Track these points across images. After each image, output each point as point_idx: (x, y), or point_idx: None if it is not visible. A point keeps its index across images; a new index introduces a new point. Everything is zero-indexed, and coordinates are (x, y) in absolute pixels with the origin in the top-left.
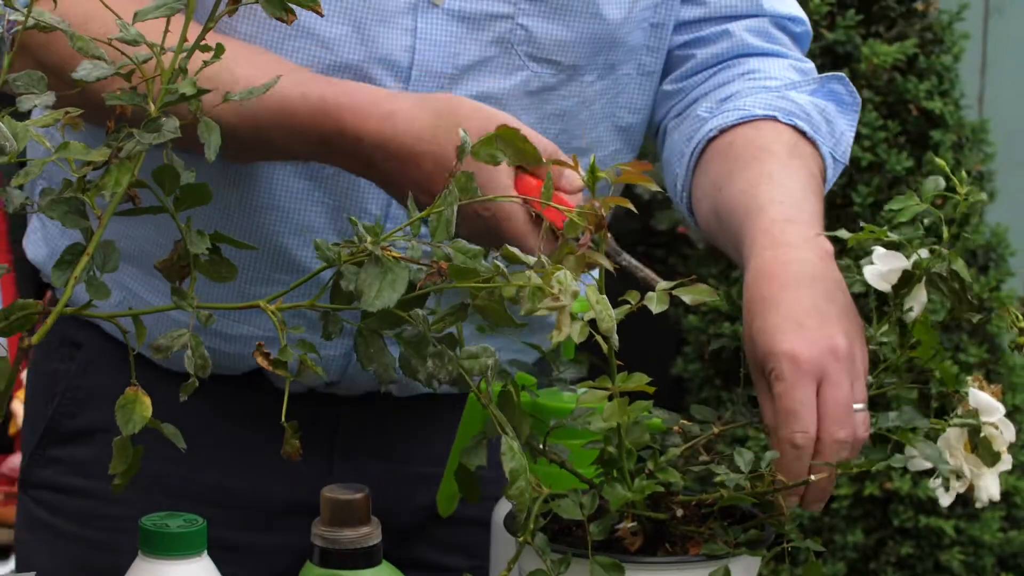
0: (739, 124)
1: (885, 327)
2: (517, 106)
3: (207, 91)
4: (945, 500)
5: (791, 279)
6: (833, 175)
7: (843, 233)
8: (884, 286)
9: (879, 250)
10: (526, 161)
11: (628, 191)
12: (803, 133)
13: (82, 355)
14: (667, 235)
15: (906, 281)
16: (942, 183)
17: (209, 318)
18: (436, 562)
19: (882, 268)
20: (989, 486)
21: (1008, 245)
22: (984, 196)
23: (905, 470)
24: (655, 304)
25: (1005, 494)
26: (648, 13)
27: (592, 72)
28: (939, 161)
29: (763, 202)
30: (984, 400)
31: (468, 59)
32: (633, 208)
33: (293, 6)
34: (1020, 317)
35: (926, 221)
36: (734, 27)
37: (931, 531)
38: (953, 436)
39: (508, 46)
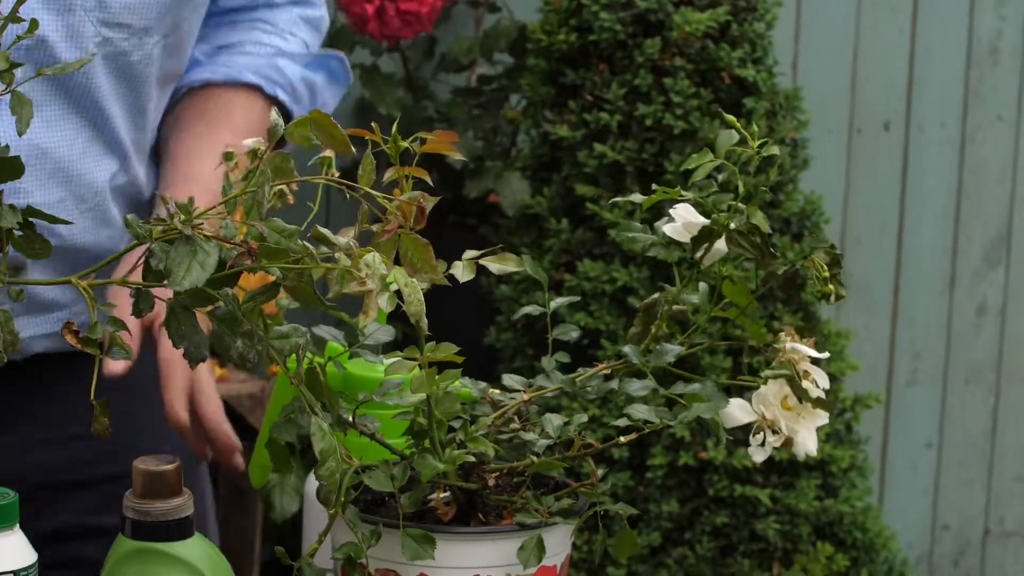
0: (224, 85)
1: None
2: (100, 71)
3: (20, 64)
4: (759, 456)
5: None
6: None
7: (637, 197)
8: (685, 237)
9: (678, 208)
10: (335, 147)
11: (437, 160)
12: (282, 104)
13: None
14: (478, 203)
15: (705, 237)
16: (735, 136)
17: (20, 294)
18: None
19: (679, 225)
20: (807, 440)
21: (823, 213)
22: (776, 150)
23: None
24: (461, 273)
25: (821, 463)
26: None
27: (159, 32)
28: (729, 117)
29: (191, 174)
30: (801, 349)
31: (43, 32)
32: (429, 180)
33: None
34: (824, 267)
35: (720, 176)
36: None
37: (747, 500)
38: (770, 392)
39: (82, 14)
